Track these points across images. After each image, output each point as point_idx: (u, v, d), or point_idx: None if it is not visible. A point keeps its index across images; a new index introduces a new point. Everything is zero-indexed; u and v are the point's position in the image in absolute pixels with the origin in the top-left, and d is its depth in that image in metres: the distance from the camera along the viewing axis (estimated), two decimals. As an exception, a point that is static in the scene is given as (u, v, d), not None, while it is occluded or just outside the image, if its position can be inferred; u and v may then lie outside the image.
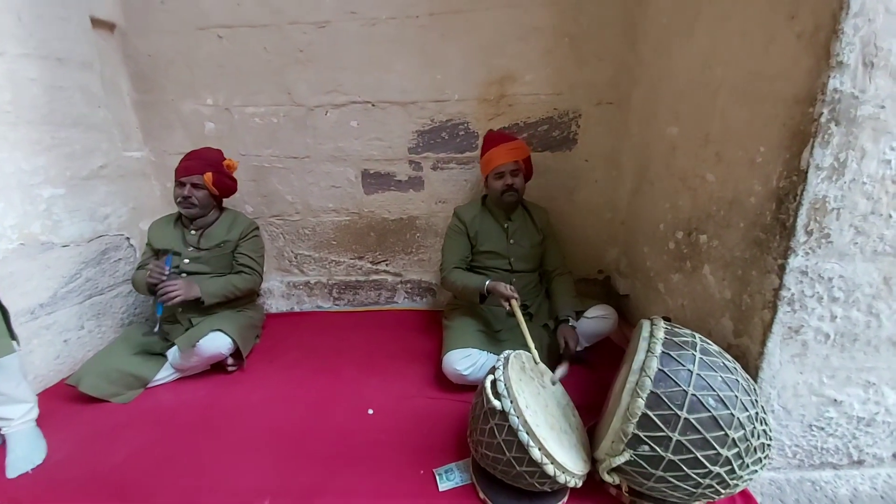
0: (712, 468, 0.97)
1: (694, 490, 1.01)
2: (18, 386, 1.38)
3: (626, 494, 1.13)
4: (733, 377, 1.01)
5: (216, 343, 1.68)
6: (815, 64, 0.94)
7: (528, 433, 1.04)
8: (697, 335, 1.10)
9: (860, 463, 1.23)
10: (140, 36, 2.06)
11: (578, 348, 1.74)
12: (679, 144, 1.56)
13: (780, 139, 1.04)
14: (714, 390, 0.97)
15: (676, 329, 1.11)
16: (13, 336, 1.36)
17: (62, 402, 1.62)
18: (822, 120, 0.93)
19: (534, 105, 2.07)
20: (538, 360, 1.40)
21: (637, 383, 1.00)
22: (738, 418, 0.96)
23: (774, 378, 1.14)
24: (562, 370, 1.54)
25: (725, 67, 1.28)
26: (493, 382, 1.14)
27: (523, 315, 1.54)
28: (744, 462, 0.98)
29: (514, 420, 1.06)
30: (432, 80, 2.05)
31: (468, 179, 2.21)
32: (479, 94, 2.06)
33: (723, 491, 1.02)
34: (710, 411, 0.95)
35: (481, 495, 1.18)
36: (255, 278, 1.93)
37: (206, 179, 1.78)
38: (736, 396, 0.98)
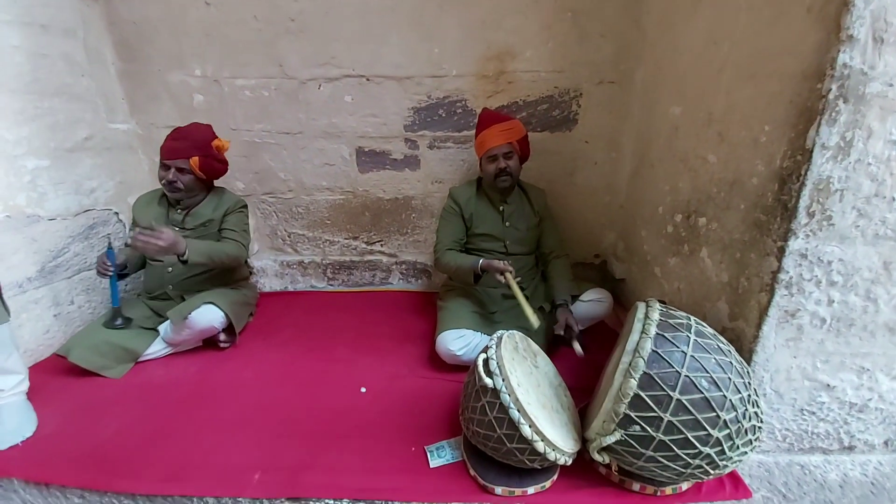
0: (703, 449, 0.97)
1: (683, 470, 1.01)
2: (10, 357, 1.36)
3: (616, 473, 1.14)
4: (727, 359, 1.00)
5: (208, 316, 1.66)
6: (824, 38, 0.91)
7: (518, 410, 1.04)
8: (693, 318, 1.09)
9: (851, 449, 1.23)
10: (125, 2, 1.97)
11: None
12: (681, 125, 1.52)
13: (786, 117, 1.00)
14: (707, 372, 0.96)
15: (671, 311, 1.10)
16: (4, 307, 1.34)
17: (52, 375, 1.61)
18: (830, 97, 0.90)
19: (534, 83, 2.01)
20: (536, 322, 1.44)
21: (630, 364, 1.00)
22: (730, 400, 0.95)
23: (768, 361, 1.13)
24: (577, 347, 1.55)
25: (731, 43, 1.23)
26: (486, 361, 1.14)
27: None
28: (734, 444, 0.98)
29: (506, 398, 1.05)
30: (429, 55, 1.98)
31: (465, 159, 2.17)
32: (478, 69, 2.00)
33: (712, 472, 1.03)
34: (702, 393, 0.95)
35: (472, 472, 1.18)
36: (239, 248, 1.84)
37: (192, 164, 1.70)
38: (729, 378, 0.97)
